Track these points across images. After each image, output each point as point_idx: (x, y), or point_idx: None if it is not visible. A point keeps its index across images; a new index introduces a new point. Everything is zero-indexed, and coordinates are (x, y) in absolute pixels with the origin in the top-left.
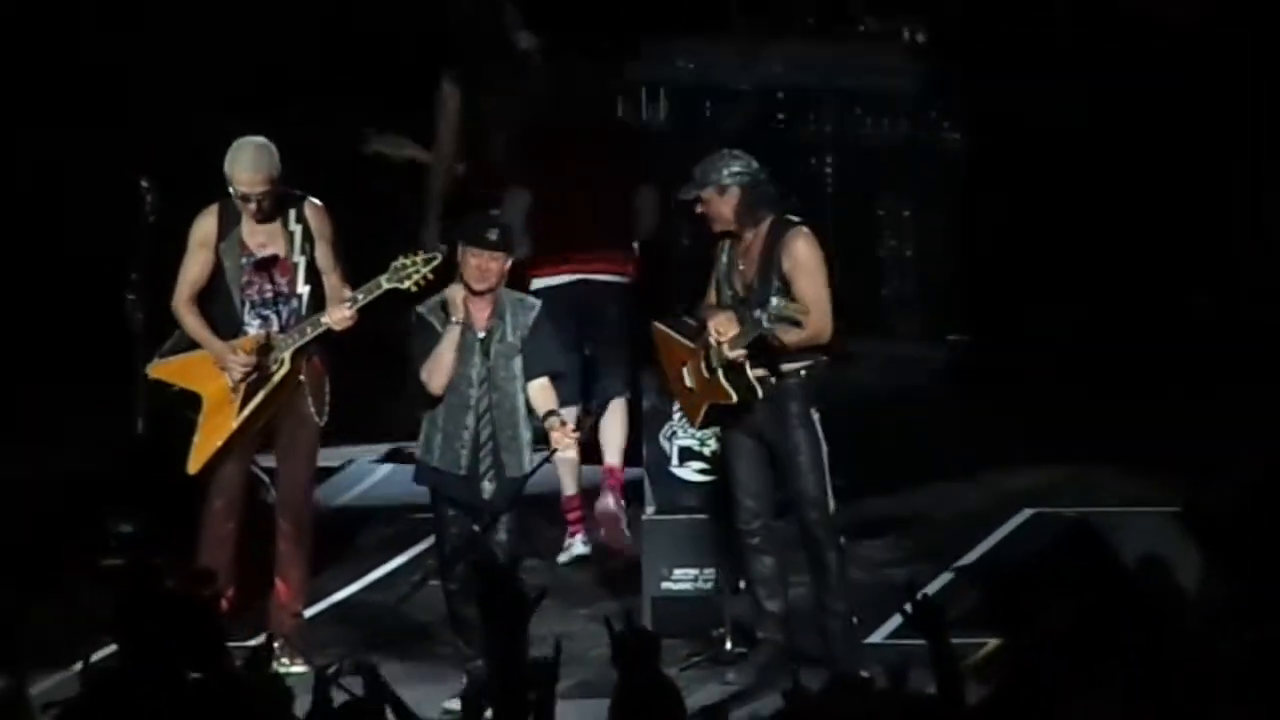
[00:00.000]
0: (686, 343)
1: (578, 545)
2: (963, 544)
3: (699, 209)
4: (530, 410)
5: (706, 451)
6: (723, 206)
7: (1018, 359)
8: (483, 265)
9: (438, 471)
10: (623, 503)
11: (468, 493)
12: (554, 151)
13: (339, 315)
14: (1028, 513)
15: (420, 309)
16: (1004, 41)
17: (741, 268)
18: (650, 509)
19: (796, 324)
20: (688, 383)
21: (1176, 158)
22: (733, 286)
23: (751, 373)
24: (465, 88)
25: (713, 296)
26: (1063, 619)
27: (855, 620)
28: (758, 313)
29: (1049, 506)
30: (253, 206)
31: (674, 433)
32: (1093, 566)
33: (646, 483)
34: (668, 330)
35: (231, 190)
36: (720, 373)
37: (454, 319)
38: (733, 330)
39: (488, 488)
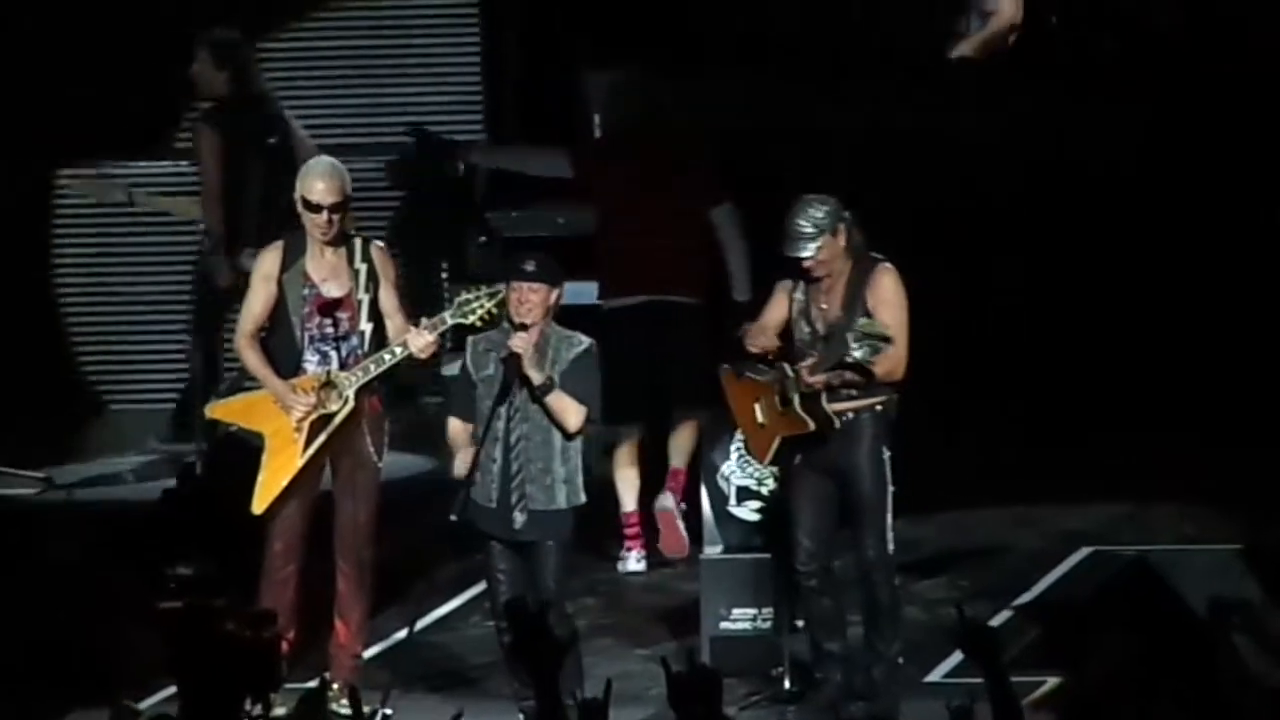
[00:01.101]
0: (758, 379)
1: (632, 561)
2: (1021, 582)
3: (816, 259)
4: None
5: (764, 491)
6: (837, 249)
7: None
8: (521, 297)
9: (477, 507)
10: (682, 505)
11: (500, 525)
12: (624, 166)
13: (422, 342)
14: (1086, 551)
15: (471, 339)
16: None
17: (824, 306)
18: (708, 548)
19: (886, 339)
20: (759, 419)
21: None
22: (812, 325)
23: (828, 405)
24: (218, 126)
25: (771, 334)
26: (1120, 657)
27: (900, 660)
28: (851, 333)
29: (1107, 544)
30: (323, 218)
31: (731, 472)
32: (1151, 605)
33: (705, 522)
34: (735, 371)
35: (301, 205)
36: (796, 402)
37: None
38: (812, 359)
39: (519, 519)
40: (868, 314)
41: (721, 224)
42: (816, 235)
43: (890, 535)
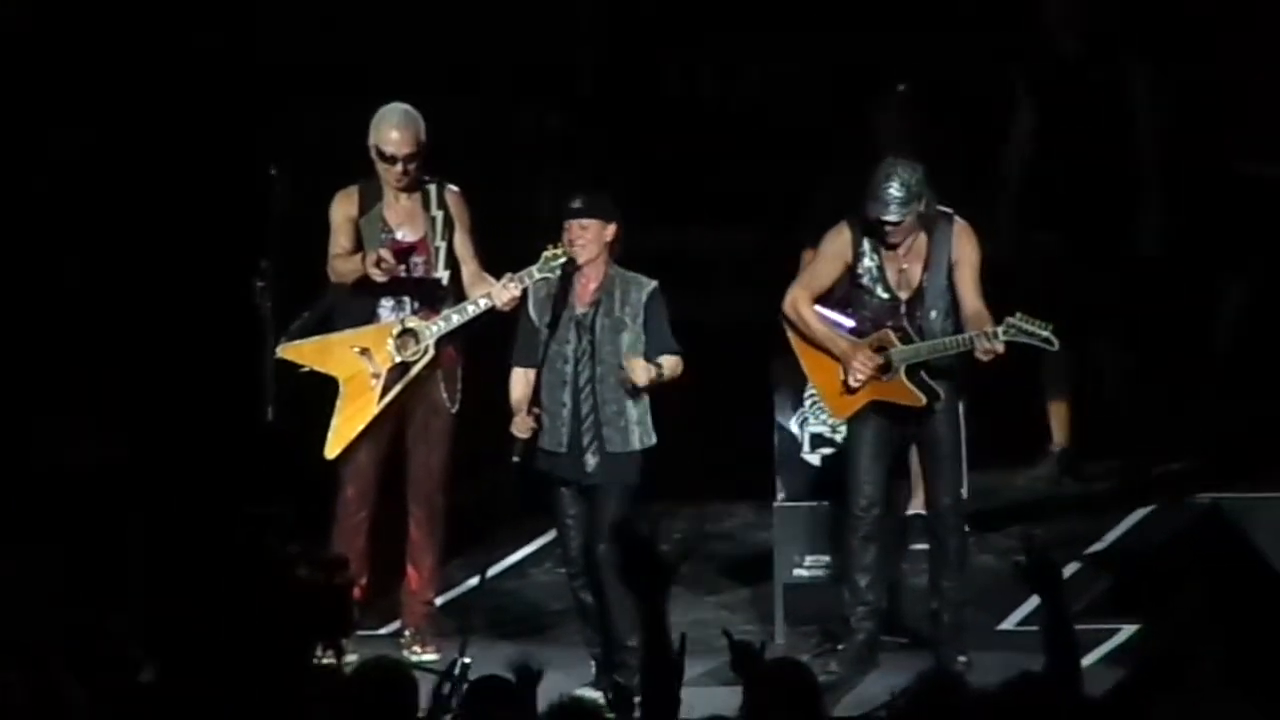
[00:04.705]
0: (844, 337)
1: None
2: (1094, 531)
3: (901, 225)
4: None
5: (838, 438)
6: (916, 217)
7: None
8: (572, 235)
9: (547, 453)
10: None
11: (572, 469)
12: None
13: (506, 296)
14: (1159, 499)
15: (532, 285)
16: None
17: (904, 267)
18: (781, 495)
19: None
20: (842, 374)
21: None
22: (891, 290)
23: (929, 379)
24: None
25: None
26: (1196, 606)
27: (965, 608)
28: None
29: (1180, 493)
30: (398, 169)
31: (805, 419)
32: (1225, 552)
33: (776, 469)
34: (810, 318)
35: (375, 154)
36: (903, 373)
37: None
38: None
39: (590, 461)
40: (949, 272)
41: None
42: (908, 201)
43: (964, 481)
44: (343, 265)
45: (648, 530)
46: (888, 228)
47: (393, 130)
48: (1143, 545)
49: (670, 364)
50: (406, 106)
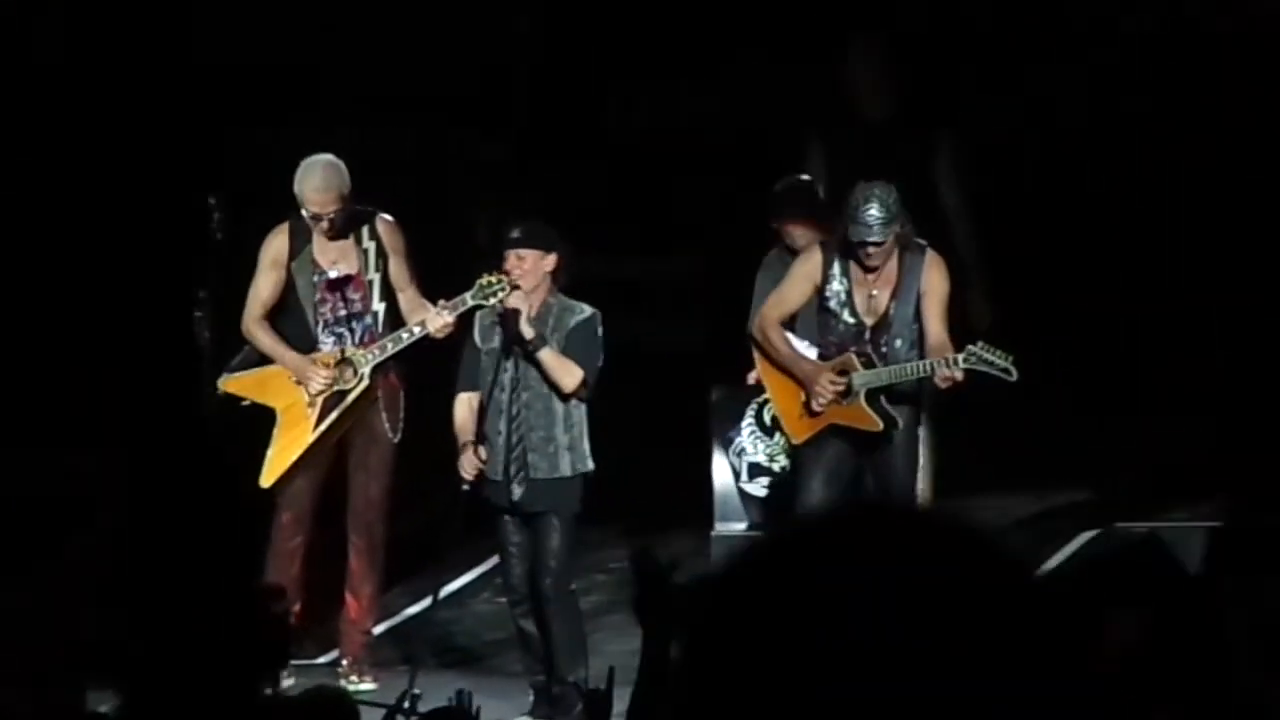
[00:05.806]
0: (808, 360)
1: None
2: (1033, 559)
3: (884, 247)
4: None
5: (775, 468)
6: (894, 239)
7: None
8: (510, 264)
9: (489, 481)
10: None
11: (506, 497)
12: None
13: (440, 322)
14: (1096, 530)
15: (479, 313)
16: None
17: (874, 294)
18: (719, 524)
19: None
20: (804, 398)
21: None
22: (858, 315)
23: (887, 405)
24: None
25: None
26: (1130, 633)
27: None
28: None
29: (1121, 521)
30: (324, 225)
31: (743, 449)
32: (1160, 579)
33: (716, 498)
34: (776, 341)
35: (303, 210)
36: (862, 398)
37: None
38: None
39: (516, 490)
40: (918, 302)
41: None
42: (889, 221)
43: (918, 500)
44: (260, 333)
45: (662, 564)
46: (870, 249)
47: (314, 192)
48: (1080, 573)
49: (561, 361)
50: (328, 160)
